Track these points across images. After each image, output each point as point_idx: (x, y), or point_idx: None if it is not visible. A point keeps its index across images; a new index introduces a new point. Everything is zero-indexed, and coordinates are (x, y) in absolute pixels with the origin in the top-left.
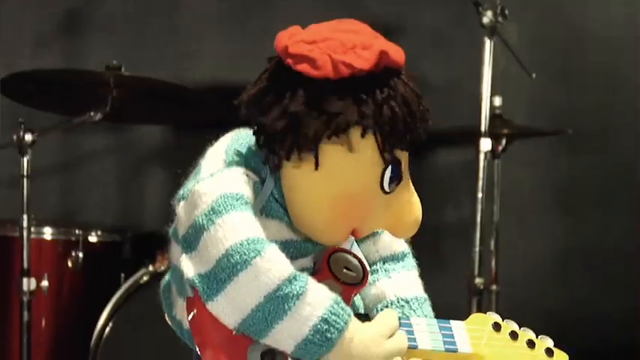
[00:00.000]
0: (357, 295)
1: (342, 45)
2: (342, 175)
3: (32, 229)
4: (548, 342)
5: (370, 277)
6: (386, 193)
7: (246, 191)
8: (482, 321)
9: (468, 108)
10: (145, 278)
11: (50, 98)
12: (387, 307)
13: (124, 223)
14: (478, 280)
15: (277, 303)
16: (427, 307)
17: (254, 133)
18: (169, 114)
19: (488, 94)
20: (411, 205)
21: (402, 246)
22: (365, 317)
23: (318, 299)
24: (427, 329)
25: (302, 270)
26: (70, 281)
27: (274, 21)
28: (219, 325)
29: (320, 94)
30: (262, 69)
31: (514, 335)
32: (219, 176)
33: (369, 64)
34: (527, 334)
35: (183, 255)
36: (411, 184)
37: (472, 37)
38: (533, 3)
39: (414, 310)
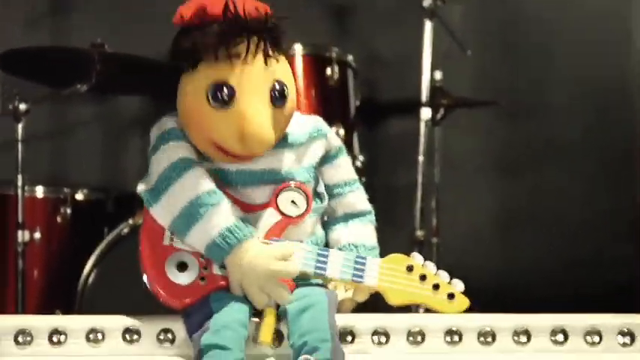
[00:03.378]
0: (317, 235)
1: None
2: (184, 95)
3: (26, 188)
4: (458, 287)
5: (332, 225)
6: (216, 108)
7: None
8: (399, 261)
9: (415, 82)
10: (126, 230)
11: (41, 72)
12: (340, 249)
13: (108, 183)
14: (419, 233)
15: (196, 208)
16: (372, 254)
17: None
18: (147, 86)
19: (429, 69)
20: (245, 120)
21: (364, 206)
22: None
23: (227, 213)
24: (342, 262)
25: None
26: (59, 234)
27: None
28: (153, 235)
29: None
30: None
31: (423, 278)
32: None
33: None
34: (438, 278)
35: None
36: (262, 104)
37: (417, 18)
38: None
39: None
